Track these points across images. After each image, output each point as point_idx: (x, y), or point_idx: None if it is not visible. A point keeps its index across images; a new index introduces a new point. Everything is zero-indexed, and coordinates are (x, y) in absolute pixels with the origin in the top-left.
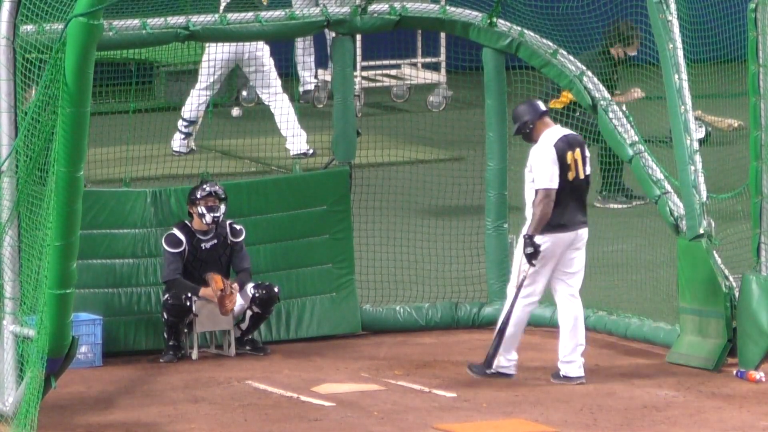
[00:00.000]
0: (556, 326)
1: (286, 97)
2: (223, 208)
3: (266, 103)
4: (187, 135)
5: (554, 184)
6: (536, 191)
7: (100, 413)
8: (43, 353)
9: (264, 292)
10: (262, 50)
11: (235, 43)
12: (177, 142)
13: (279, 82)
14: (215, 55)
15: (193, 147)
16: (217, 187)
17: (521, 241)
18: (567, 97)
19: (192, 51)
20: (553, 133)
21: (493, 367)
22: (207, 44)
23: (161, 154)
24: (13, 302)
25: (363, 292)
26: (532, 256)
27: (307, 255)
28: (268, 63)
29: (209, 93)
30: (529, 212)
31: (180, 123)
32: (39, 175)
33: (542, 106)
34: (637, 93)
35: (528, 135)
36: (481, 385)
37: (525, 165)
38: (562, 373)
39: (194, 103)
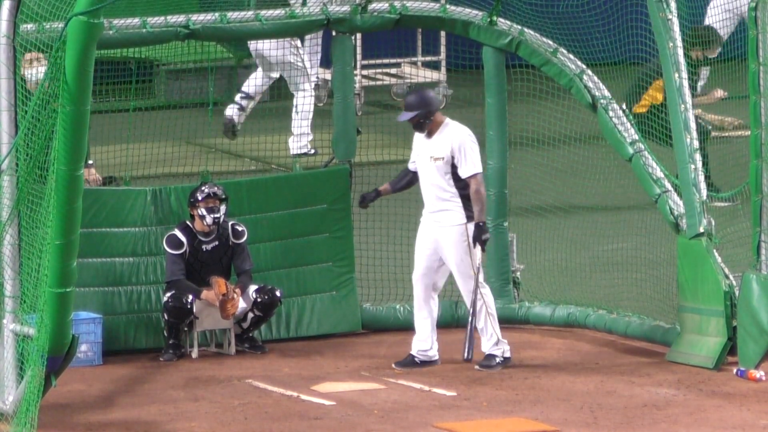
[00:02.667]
0: (556, 325)
1: (309, 95)
2: (223, 208)
3: (292, 93)
4: (242, 108)
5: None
6: (469, 178)
7: (101, 412)
8: (44, 352)
9: (267, 297)
10: (287, 47)
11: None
12: (232, 110)
13: (306, 77)
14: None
15: (238, 128)
16: (217, 188)
17: (458, 231)
18: (653, 97)
19: (192, 50)
20: (457, 123)
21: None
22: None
23: (161, 152)
24: (14, 301)
25: (363, 290)
26: (486, 242)
27: (307, 253)
28: (298, 58)
29: (271, 77)
30: (436, 200)
31: (237, 95)
32: (39, 174)
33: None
34: (719, 93)
35: (423, 125)
36: (481, 383)
37: (435, 154)
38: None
39: (256, 83)
